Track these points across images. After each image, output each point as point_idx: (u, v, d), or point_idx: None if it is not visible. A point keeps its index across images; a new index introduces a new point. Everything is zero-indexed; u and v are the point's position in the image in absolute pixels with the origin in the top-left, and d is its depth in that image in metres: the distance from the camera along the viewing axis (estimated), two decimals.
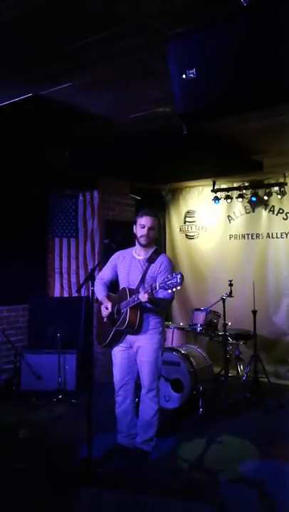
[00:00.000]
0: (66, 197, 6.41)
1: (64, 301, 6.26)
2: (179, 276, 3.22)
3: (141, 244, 3.75)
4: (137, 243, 3.81)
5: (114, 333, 3.76)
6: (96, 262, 6.09)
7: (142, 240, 3.72)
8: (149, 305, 3.59)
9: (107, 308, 3.75)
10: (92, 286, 3.50)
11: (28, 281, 6.21)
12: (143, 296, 3.41)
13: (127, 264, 3.82)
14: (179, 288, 3.24)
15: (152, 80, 3.16)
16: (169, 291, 3.28)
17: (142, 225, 3.71)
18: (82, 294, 5.99)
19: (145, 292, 3.40)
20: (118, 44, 2.67)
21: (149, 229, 3.70)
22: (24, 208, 6.22)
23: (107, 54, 2.80)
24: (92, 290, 3.52)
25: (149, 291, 3.39)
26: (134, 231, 3.78)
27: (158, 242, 7.15)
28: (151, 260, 3.71)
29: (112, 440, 3.92)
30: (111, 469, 3.59)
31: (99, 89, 3.38)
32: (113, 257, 3.96)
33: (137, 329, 3.65)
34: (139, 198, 6.75)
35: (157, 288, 3.35)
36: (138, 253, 3.82)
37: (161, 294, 3.51)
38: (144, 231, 3.69)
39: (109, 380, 3.91)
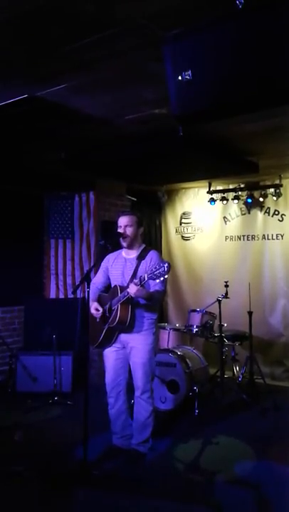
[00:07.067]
0: (62, 198, 6.40)
1: (60, 303, 6.25)
2: (166, 265, 3.26)
3: (125, 246, 3.81)
4: (123, 245, 3.87)
5: (106, 331, 3.76)
6: (92, 264, 6.08)
7: (123, 240, 3.77)
8: (141, 300, 3.61)
9: (97, 310, 3.77)
10: (88, 287, 3.51)
11: (24, 283, 6.20)
12: (132, 288, 3.44)
13: (118, 265, 3.86)
14: (166, 277, 3.29)
15: (148, 82, 3.16)
16: (157, 280, 3.33)
17: (120, 226, 3.79)
18: (78, 296, 5.98)
19: (135, 284, 3.43)
20: (114, 45, 2.67)
21: (126, 227, 3.76)
22: (20, 209, 6.21)
23: (103, 55, 2.80)
24: (88, 291, 3.53)
25: (138, 282, 3.43)
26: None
27: (154, 243, 7.17)
28: (141, 258, 3.76)
29: (108, 441, 3.91)
30: (107, 471, 3.58)
31: (95, 91, 3.38)
32: (104, 260, 4.00)
33: (128, 326, 3.64)
34: (135, 200, 6.75)
35: (146, 278, 3.38)
36: (127, 253, 3.86)
37: (151, 284, 3.58)
38: (122, 230, 3.76)
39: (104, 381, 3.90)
